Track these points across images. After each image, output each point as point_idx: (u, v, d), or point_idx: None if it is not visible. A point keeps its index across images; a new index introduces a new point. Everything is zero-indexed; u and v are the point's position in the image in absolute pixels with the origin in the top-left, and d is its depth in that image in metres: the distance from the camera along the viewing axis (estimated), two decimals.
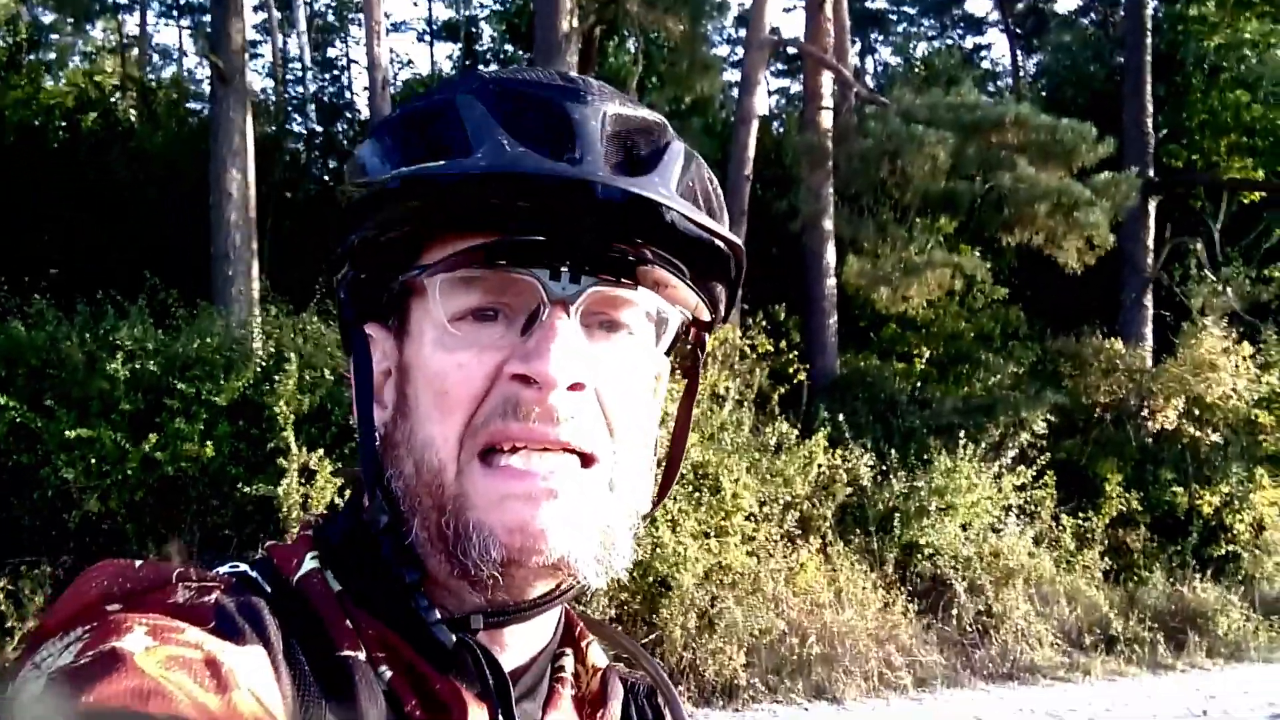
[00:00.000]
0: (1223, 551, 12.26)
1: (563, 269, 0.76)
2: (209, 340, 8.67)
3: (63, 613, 0.69)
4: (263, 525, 7.91)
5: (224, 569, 0.80)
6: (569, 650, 0.91)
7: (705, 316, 0.88)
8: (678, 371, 0.98)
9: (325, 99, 21.94)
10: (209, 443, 7.78)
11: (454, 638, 0.77)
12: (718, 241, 0.82)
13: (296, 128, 20.62)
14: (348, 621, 0.78)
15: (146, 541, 7.86)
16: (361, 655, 0.76)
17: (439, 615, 0.78)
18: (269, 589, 0.79)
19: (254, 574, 0.80)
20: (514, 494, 0.75)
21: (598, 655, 0.93)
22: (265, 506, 7.71)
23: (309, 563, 0.82)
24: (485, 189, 0.74)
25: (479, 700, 0.78)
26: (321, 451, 7.59)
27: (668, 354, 0.92)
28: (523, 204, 0.74)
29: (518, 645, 0.85)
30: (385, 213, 0.79)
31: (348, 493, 6.32)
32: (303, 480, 7.47)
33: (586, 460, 0.79)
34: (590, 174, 0.74)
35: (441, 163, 0.76)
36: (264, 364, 8.55)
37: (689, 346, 0.93)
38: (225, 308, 10.55)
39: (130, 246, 14.38)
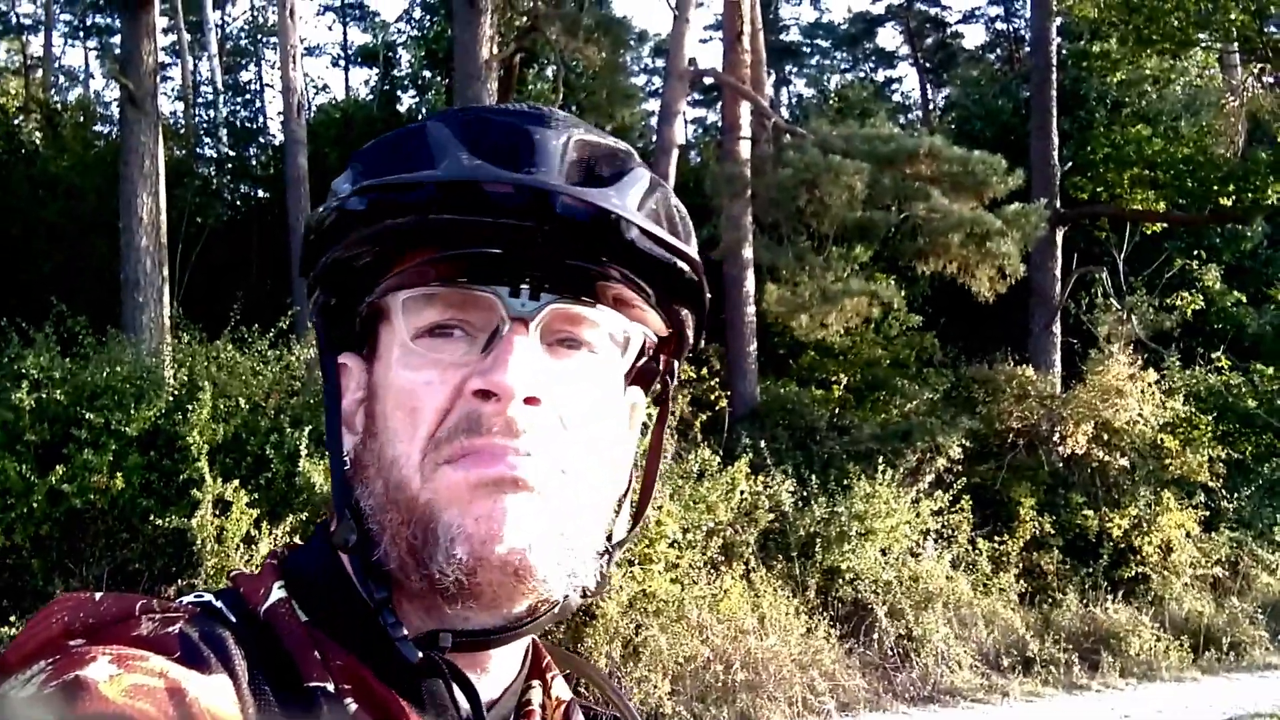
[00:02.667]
0: (1133, 573, 12.55)
1: (522, 286, 0.77)
2: (118, 369, 8.44)
3: (24, 649, 0.67)
4: (174, 559, 7.71)
5: (188, 599, 0.78)
6: (536, 683, 0.90)
7: (664, 332, 0.89)
8: (649, 400, 0.98)
9: (238, 123, 21.58)
10: (119, 474, 7.57)
11: (419, 654, 0.76)
12: (680, 263, 0.82)
13: (208, 152, 20.29)
14: (315, 652, 0.76)
15: (53, 577, 7.61)
16: (330, 686, 0.75)
17: (406, 633, 0.77)
18: (234, 619, 0.77)
19: (219, 604, 0.79)
20: (484, 480, 0.75)
21: (562, 688, 0.92)
22: (178, 539, 7.52)
23: (276, 592, 0.80)
24: (447, 202, 0.75)
25: None
26: (237, 483, 7.42)
27: (636, 382, 0.92)
28: (484, 219, 0.75)
29: (489, 677, 0.84)
30: (354, 234, 0.79)
31: (264, 524, 6.19)
32: (217, 512, 7.29)
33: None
34: (546, 184, 0.75)
35: (400, 175, 0.76)
36: (176, 393, 8.35)
37: (659, 373, 0.93)
38: (135, 335, 10.28)
39: (35, 272, 13.98)
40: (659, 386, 0.94)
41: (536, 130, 0.79)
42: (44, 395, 7.77)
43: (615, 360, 0.85)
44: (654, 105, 19.93)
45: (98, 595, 0.72)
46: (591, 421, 0.81)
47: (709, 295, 0.88)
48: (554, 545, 0.76)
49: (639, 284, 0.81)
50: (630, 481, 0.91)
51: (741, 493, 9.90)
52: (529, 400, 0.76)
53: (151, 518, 7.45)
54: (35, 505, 7.41)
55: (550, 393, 0.77)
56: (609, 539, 0.85)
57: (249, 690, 0.70)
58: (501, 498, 0.75)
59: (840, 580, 10.24)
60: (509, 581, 0.76)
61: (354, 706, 0.75)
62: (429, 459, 0.76)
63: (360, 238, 0.79)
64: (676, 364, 0.93)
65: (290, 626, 0.78)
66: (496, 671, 0.85)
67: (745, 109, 14.31)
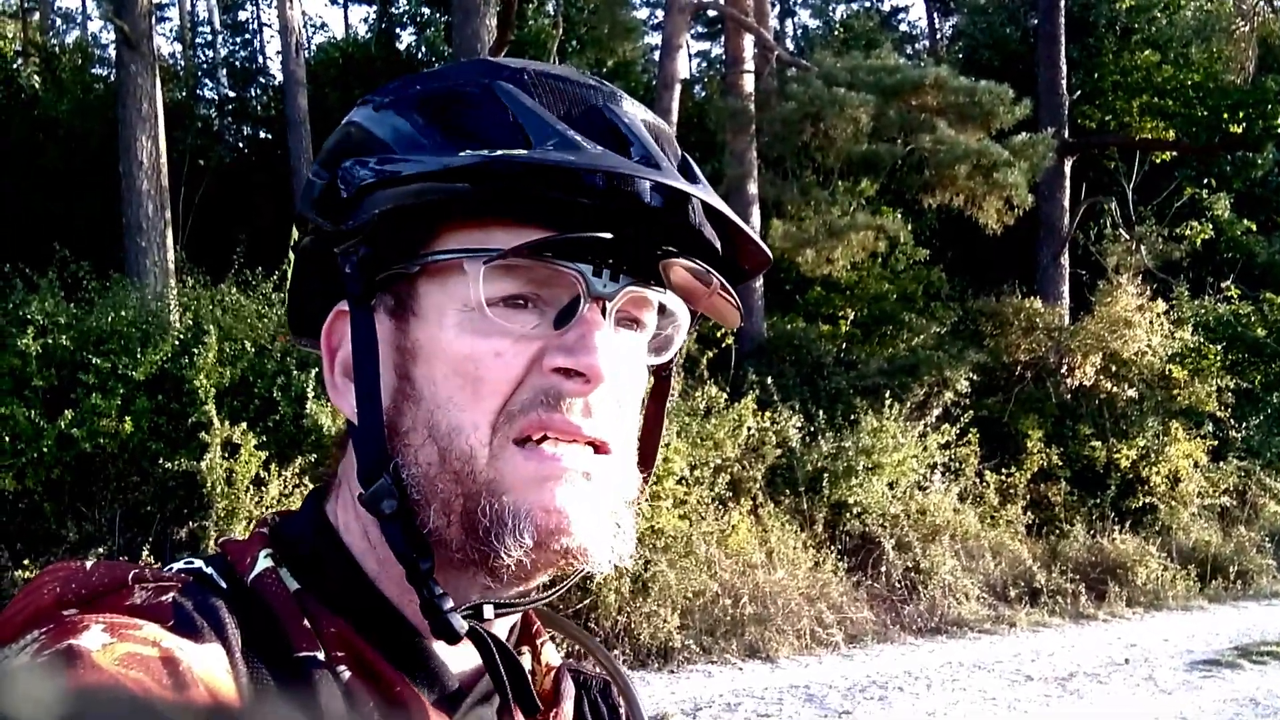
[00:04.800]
0: (1140, 504, 12.61)
1: (605, 267, 0.76)
2: (124, 313, 8.45)
3: (16, 619, 0.66)
4: (185, 501, 7.77)
5: (179, 566, 0.78)
6: (526, 649, 0.91)
7: (737, 323, 0.90)
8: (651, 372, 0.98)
9: (237, 64, 21.37)
10: (127, 418, 7.61)
11: (466, 626, 0.76)
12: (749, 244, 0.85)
13: (208, 93, 20.14)
14: (305, 621, 0.76)
15: (65, 520, 7.69)
16: (320, 655, 0.74)
17: (452, 604, 0.76)
18: (224, 586, 0.77)
19: (210, 571, 0.78)
20: (552, 476, 0.75)
21: (551, 653, 0.93)
22: (188, 482, 7.57)
23: (263, 561, 0.80)
24: (553, 180, 0.74)
25: (438, 707, 0.78)
26: (244, 425, 7.45)
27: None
28: (585, 201, 0.74)
29: None
30: (431, 194, 0.76)
31: (272, 466, 6.19)
32: (226, 454, 7.32)
33: (600, 449, 0.79)
34: (670, 178, 0.75)
35: (523, 153, 0.73)
36: (182, 337, 8.36)
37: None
38: (139, 280, 10.26)
39: (38, 217, 13.95)
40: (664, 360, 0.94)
41: (620, 110, 0.79)
42: (50, 340, 7.78)
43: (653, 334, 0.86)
44: (656, 39, 19.66)
45: (89, 564, 0.71)
46: (634, 399, 0.83)
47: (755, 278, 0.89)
48: (609, 530, 0.78)
49: (702, 268, 0.81)
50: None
51: (749, 429, 9.92)
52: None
53: (161, 460, 7.50)
54: (46, 450, 7.46)
55: (617, 374, 0.78)
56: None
57: (241, 659, 0.70)
58: (570, 490, 0.75)
59: (848, 514, 10.30)
60: (558, 563, 0.77)
61: (347, 674, 0.74)
62: (500, 433, 0.75)
63: (433, 197, 0.76)
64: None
65: (278, 595, 0.77)
66: None
67: (749, 42, 14.13)
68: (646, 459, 0.93)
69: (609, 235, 0.75)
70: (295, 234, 0.91)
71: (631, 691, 0.98)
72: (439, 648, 0.79)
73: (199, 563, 0.79)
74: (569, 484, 0.76)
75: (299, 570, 0.79)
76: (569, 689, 0.91)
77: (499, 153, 0.74)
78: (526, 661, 0.89)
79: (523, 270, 0.76)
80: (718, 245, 0.82)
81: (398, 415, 0.79)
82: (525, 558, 0.74)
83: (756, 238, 0.83)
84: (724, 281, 0.82)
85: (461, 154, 0.75)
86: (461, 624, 0.75)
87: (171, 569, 0.76)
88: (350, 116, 0.83)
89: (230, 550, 0.81)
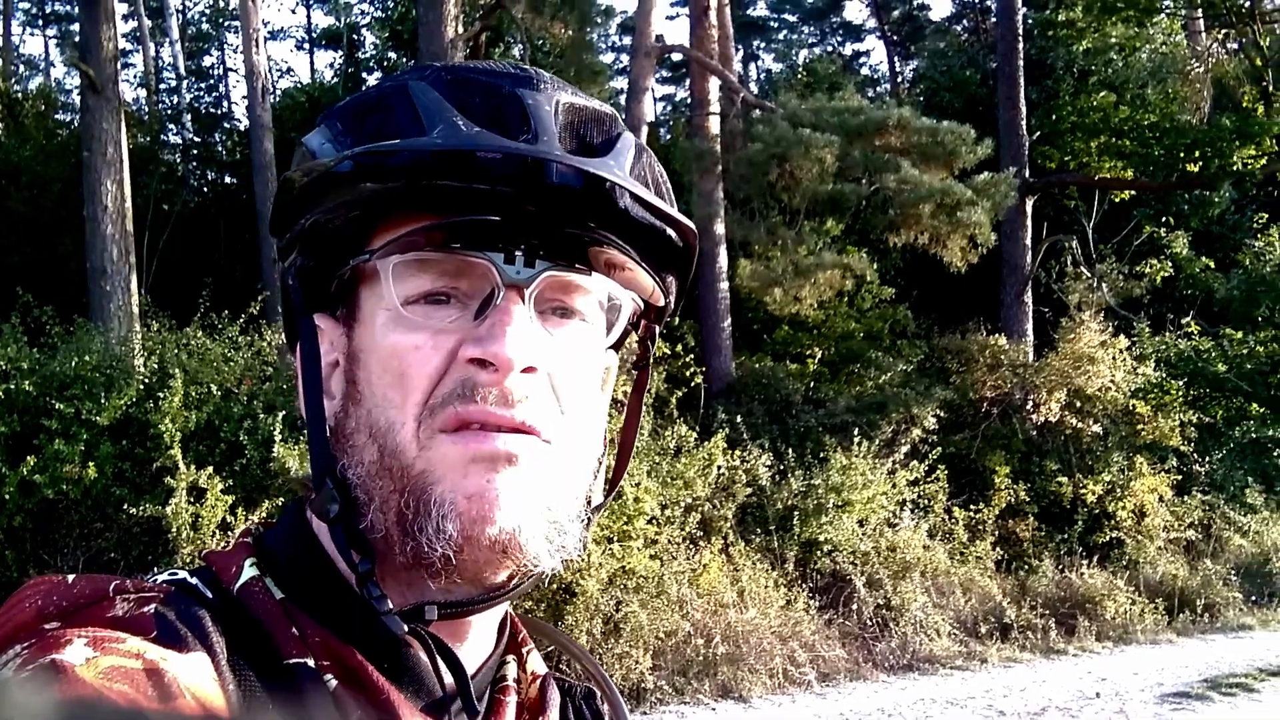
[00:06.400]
0: (1107, 538, 12.69)
1: (517, 253, 0.76)
2: (88, 358, 8.36)
3: None
4: (150, 547, 7.67)
5: (163, 577, 0.77)
6: (511, 657, 0.90)
7: (659, 301, 0.88)
8: (626, 365, 0.98)
9: (202, 109, 21.36)
10: (91, 464, 7.51)
11: (405, 627, 0.76)
12: (670, 230, 0.83)
13: (173, 138, 20.09)
14: (293, 629, 0.76)
15: (27, 568, 7.56)
16: (310, 662, 0.74)
17: (390, 607, 0.76)
18: (210, 595, 0.76)
19: (194, 581, 0.78)
20: (480, 456, 0.74)
21: (537, 662, 0.92)
22: (153, 528, 7.48)
23: (248, 570, 0.79)
24: (441, 168, 0.73)
25: (424, 713, 0.77)
26: (211, 469, 7.37)
27: (616, 348, 0.91)
28: (479, 185, 0.74)
29: (468, 650, 0.84)
30: (337, 196, 0.77)
31: (239, 511, 6.14)
32: (191, 499, 7.24)
33: (528, 434, 0.78)
34: (548, 154, 0.74)
35: (395, 141, 0.75)
36: (147, 381, 8.28)
37: (638, 339, 0.93)
38: (104, 324, 10.17)
39: (1, 262, 13.81)
40: (639, 353, 0.94)
41: (527, 94, 0.78)
42: (13, 386, 7.69)
43: (604, 330, 0.85)
44: (622, 83, 19.84)
45: (70, 577, 0.71)
46: (580, 391, 0.82)
47: (696, 253, 0.88)
48: (542, 522, 0.77)
49: (627, 249, 0.81)
50: (604, 445, 0.90)
51: (719, 468, 9.92)
52: (526, 370, 0.76)
53: (125, 506, 7.40)
54: (7, 497, 7.36)
55: (544, 362, 0.77)
56: (588, 504, 0.85)
57: (228, 668, 0.69)
58: (494, 476, 0.75)
59: (818, 552, 10.29)
60: (496, 558, 0.76)
61: (334, 683, 0.74)
62: (424, 426, 0.76)
63: (345, 201, 0.77)
64: (656, 328, 0.92)
65: (264, 604, 0.77)
66: (474, 645, 0.85)
67: (714, 84, 14.27)
68: (623, 452, 0.94)
69: (496, 218, 0.75)
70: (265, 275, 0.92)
71: (617, 699, 0.98)
72: (424, 654, 0.79)
73: (183, 573, 0.78)
74: (494, 465, 0.75)
75: (283, 579, 0.79)
76: (554, 697, 0.91)
77: (360, 149, 0.76)
78: (512, 670, 0.89)
79: (434, 264, 0.77)
80: (655, 224, 0.81)
81: (345, 418, 0.80)
82: (452, 550, 0.74)
83: (674, 211, 0.82)
84: (641, 262, 0.82)
85: (342, 155, 0.76)
86: (400, 625, 0.75)
87: (155, 580, 0.76)
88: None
89: (214, 561, 0.81)
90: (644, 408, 0.97)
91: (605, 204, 0.77)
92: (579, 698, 0.96)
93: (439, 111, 0.76)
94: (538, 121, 0.77)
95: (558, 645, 1.03)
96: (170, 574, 0.78)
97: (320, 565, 0.80)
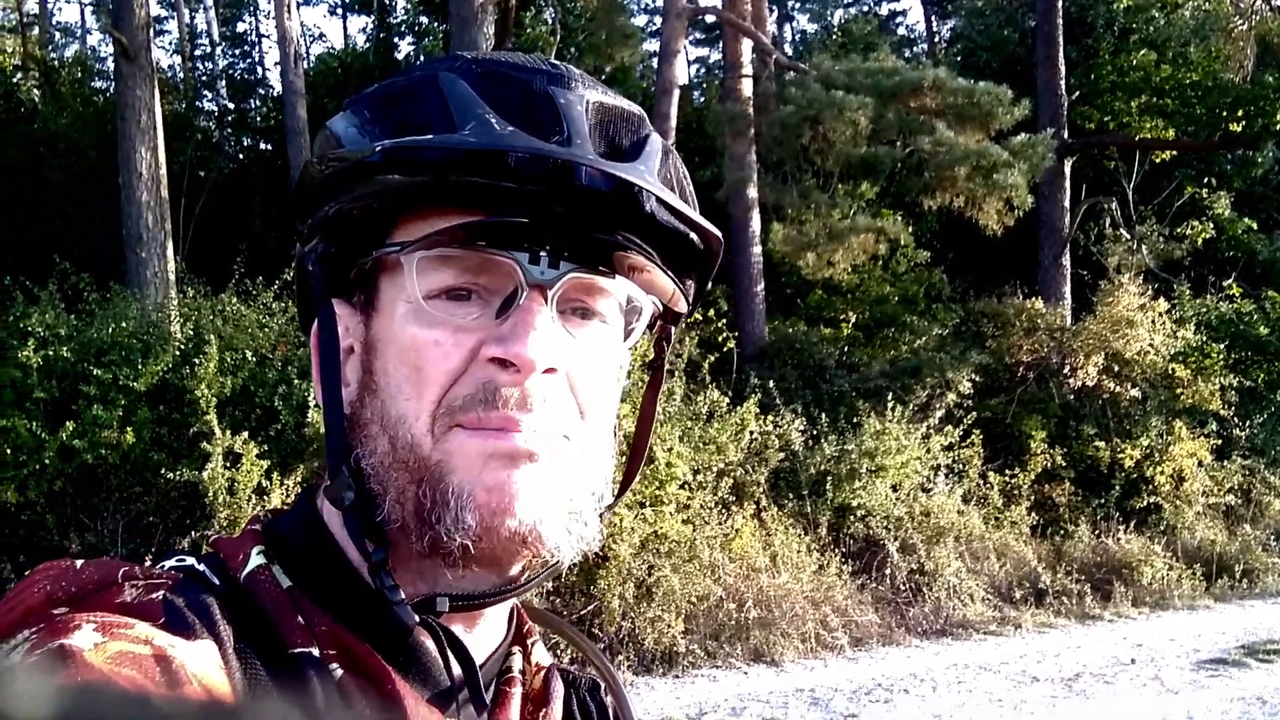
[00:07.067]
0: (1145, 503, 12.58)
1: (542, 253, 0.76)
2: (124, 324, 8.45)
3: (6, 619, 0.66)
4: (188, 511, 7.76)
5: (171, 563, 0.78)
6: (517, 649, 0.91)
7: (680, 306, 0.89)
8: (640, 364, 1.00)
9: (236, 75, 21.40)
10: (128, 429, 7.60)
11: (416, 618, 0.76)
12: (693, 234, 0.83)
13: (207, 105, 20.16)
14: (299, 617, 0.76)
15: (68, 532, 7.68)
16: (315, 651, 0.74)
17: (402, 597, 0.77)
18: (218, 583, 0.77)
19: (202, 568, 0.78)
20: (499, 452, 0.75)
21: (541, 653, 0.93)
22: (190, 492, 7.56)
23: (255, 558, 0.80)
24: (472, 165, 0.73)
25: (430, 703, 0.77)
26: (246, 434, 7.44)
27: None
28: (507, 184, 0.74)
29: (477, 641, 0.84)
30: (364, 186, 0.78)
31: (275, 475, 6.18)
32: (228, 464, 7.32)
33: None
34: (581, 157, 0.74)
35: (429, 136, 0.75)
36: (183, 347, 8.36)
37: (656, 339, 0.94)
38: (140, 291, 10.27)
39: (38, 230, 13.96)
40: (654, 354, 0.94)
41: (560, 93, 0.78)
42: (51, 353, 7.78)
43: (621, 329, 0.85)
44: (654, 45, 19.70)
45: (78, 563, 0.71)
46: (600, 391, 0.82)
47: (719, 258, 0.88)
48: (563, 514, 0.77)
49: (650, 252, 0.81)
50: (616, 438, 0.91)
51: (751, 433, 9.90)
52: (547, 371, 0.76)
53: (163, 471, 7.48)
54: (47, 462, 7.46)
55: (564, 363, 0.78)
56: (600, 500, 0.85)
57: (234, 655, 0.70)
58: (514, 470, 0.75)
59: (852, 517, 10.28)
60: (516, 548, 0.76)
61: (339, 672, 0.74)
62: (440, 421, 0.76)
63: (372, 191, 0.77)
64: (673, 330, 0.93)
65: (270, 592, 0.77)
66: (484, 636, 0.85)
67: (747, 46, 14.13)
68: (637, 452, 0.95)
69: (525, 220, 0.75)
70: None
71: (621, 691, 0.98)
72: (431, 644, 0.79)
73: (191, 560, 0.79)
74: (514, 461, 0.75)
75: (291, 567, 0.79)
76: (558, 688, 0.91)
77: (392, 142, 0.75)
78: (518, 661, 0.89)
79: (458, 260, 0.77)
80: (680, 228, 0.81)
81: (360, 408, 0.80)
82: (471, 541, 0.74)
83: (698, 218, 0.82)
84: (663, 266, 0.82)
85: (374, 147, 0.76)
86: (411, 616, 0.76)
87: (163, 566, 0.76)
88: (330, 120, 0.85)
89: (222, 548, 0.81)
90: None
91: (632, 208, 0.77)
92: (584, 689, 0.97)
93: (470, 106, 0.76)
94: (570, 122, 0.77)
95: (559, 634, 1.03)
96: (178, 560, 0.78)
97: (330, 554, 0.81)
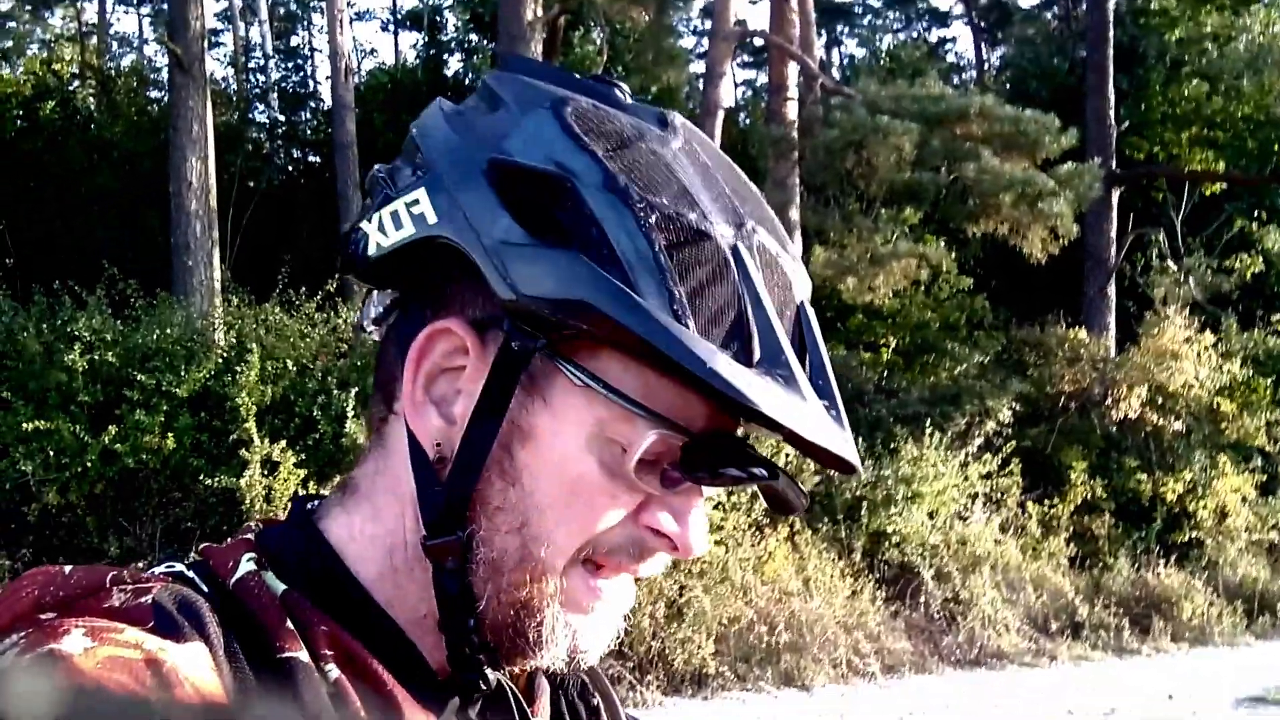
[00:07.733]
0: (1186, 538, 12.40)
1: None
2: (169, 331, 8.55)
3: None
4: (226, 518, 7.82)
5: (159, 569, 0.77)
6: None
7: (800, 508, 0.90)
8: None
9: (288, 88, 21.69)
10: (170, 434, 7.69)
11: (495, 679, 0.80)
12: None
13: (259, 116, 20.41)
14: (289, 622, 0.75)
15: (107, 534, 7.76)
16: (304, 655, 0.73)
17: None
18: (207, 589, 0.76)
19: (190, 574, 0.77)
20: (602, 604, 0.78)
21: None
22: (228, 499, 7.63)
23: (245, 565, 0.78)
24: (696, 384, 0.70)
25: (425, 708, 0.77)
26: (284, 443, 7.50)
27: None
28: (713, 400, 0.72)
29: None
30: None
31: (312, 484, 6.17)
32: (265, 472, 7.38)
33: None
34: (834, 440, 0.76)
35: (671, 332, 0.68)
36: (225, 355, 8.46)
37: None
38: (186, 298, 10.41)
39: (88, 236, 14.19)
40: None
41: (750, 273, 0.75)
42: (96, 357, 7.89)
43: None
44: (700, 67, 19.78)
45: (67, 569, 0.71)
46: None
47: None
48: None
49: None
50: None
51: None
52: None
53: (202, 477, 7.56)
54: (89, 465, 7.55)
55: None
56: None
57: (225, 658, 0.69)
58: (609, 620, 0.79)
59: (887, 543, 10.20)
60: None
61: (336, 672, 0.74)
62: (575, 556, 0.76)
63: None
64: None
65: (260, 598, 0.76)
66: None
67: (793, 69, 14.14)
68: None
69: (764, 473, 0.76)
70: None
71: (609, 691, 0.96)
72: (428, 649, 0.79)
73: (180, 566, 0.78)
74: (611, 620, 0.79)
75: (287, 574, 0.78)
76: (543, 687, 0.90)
77: (625, 318, 0.69)
78: None
79: (667, 440, 0.74)
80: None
81: (486, 486, 0.76)
82: (544, 657, 0.77)
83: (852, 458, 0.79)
84: (772, 486, 0.81)
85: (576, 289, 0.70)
86: (490, 678, 0.79)
87: (152, 572, 0.75)
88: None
89: (211, 555, 0.80)
90: None
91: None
92: (572, 690, 0.95)
93: (648, 274, 0.70)
94: (768, 344, 0.74)
95: None
96: (167, 566, 0.77)
97: (337, 568, 0.79)
